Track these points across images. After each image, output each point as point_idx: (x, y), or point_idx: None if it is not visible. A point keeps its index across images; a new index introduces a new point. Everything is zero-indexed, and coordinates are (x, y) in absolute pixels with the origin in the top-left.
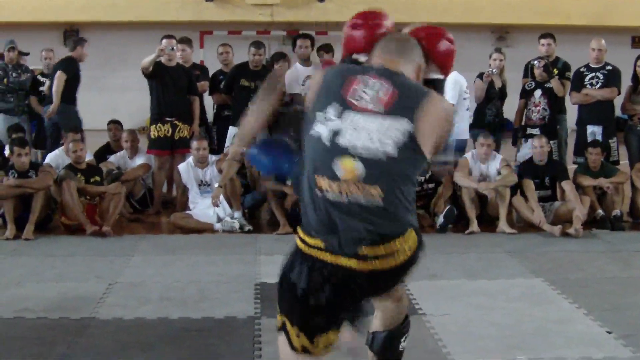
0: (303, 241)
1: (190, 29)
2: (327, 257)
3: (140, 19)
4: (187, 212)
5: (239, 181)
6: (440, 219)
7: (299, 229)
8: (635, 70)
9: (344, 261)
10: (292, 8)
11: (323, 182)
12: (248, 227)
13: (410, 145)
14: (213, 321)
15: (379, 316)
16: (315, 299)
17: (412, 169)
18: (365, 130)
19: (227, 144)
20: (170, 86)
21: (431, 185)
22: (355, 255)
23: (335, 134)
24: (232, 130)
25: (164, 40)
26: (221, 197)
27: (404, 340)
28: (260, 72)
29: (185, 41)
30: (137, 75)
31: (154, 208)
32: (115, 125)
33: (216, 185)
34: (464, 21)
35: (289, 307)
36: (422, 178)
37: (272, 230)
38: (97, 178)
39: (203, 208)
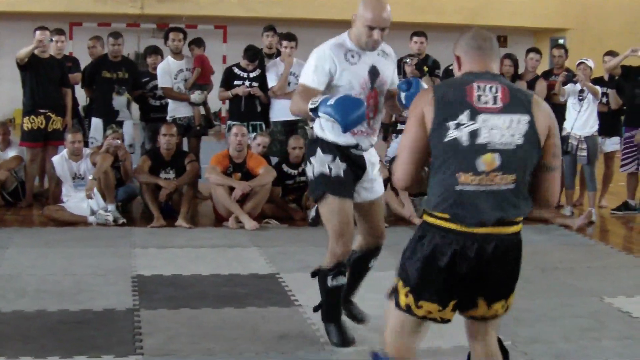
0: (434, 216)
1: (60, 20)
2: (457, 227)
3: (11, 9)
4: (61, 204)
5: (112, 174)
6: (312, 213)
7: (428, 210)
8: (502, 71)
9: (481, 230)
10: (163, 1)
11: (465, 177)
12: (122, 220)
13: (533, 134)
14: (91, 313)
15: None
16: (433, 267)
17: (532, 159)
18: (497, 127)
19: (90, 135)
20: (44, 78)
21: (303, 179)
22: (489, 224)
23: (473, 135)
24: (94, 121)
25: (38, 32)
26: (95, 190)
27: None
28: (121, 62)
29: (60, 32)
30: (9, 65)
31: (26, 201)
32: None
33: (90, 177)
34: (336, 17)
35: (409, 271)
36: (295, 171)
37: (146, 224)
38: None
39: (77, 201)
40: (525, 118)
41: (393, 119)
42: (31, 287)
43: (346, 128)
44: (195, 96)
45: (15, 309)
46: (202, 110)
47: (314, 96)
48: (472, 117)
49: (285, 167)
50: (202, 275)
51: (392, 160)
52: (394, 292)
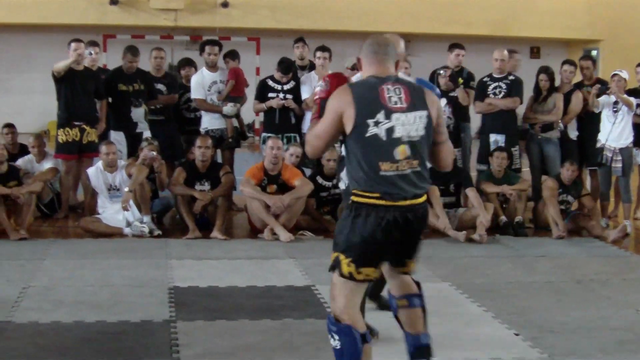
0: (365, 197)
1: (93, 32)
2: (386, 203)
3: (45, 21)
4: (96, 216)
5: (148, 186)
6: None
7: (357, 192)
8: (537, 81)
9: (403, 202)
10: (196, 13)
11: (384, 165)
12: (157, 232)
13: (430, 125)
14: (129, 325)
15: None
16: (372, 238)
17: (429, 144)
18: (407, 124)
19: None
20: (79, 90)
21: (338, 190)
22: (412, 197)
23: (389, 131)
24: (114, 134)
25: (74, 44)
26: (130, 202)
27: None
28: (135, 74)
29: (94, 44)
30: (42, 78)
31: (61, 212)
32: (10, 128)
33: (125, 189)
34: (366, 29)
35: (347, 244)
36: (330, 183)
37: (180, 235)
38: (14, 183)
39: (112, 212)
40: (424, 113)
41: None
42: (68, 299)
43: None
44: (228, 108)
45: (53, 320)
46: (235, 123)
47: None
48: (387, 116)
49: (319, 179)
50: (238, 287)
51: None
52: (336, 264)
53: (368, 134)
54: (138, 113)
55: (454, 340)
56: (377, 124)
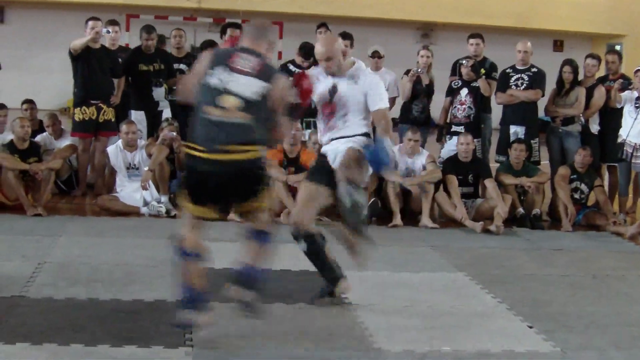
0: (194, 149)
1: (116, 12)
2: (208, 156)
3: None
4: (114, 194)
5: (168, 166)
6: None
7: (188, 144)
8: (560, 74)
9: (216, 156)
10: None
11: (211, 109)
12: (174, 212)
13: (265, 97)
14: (143, 304)
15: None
16: (199, 182)
17: (266, 112)
18: (242, 82)
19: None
20: (96, 68)
21: None
22: (224, 151)
23: (223, 82)
24: (135, 114)
25: (91, 22)
26: (149, 181)
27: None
28: (155, 54)
29: (114, 23)
30: (60, 56)
31: (79, 190)
32: (29, 104)
33: (145, 169)
34: (389, 17)
35: (186, 188)
36: None
37: None
38: (34, 159)
39: (130, 191)
40: (266, 85)
41: (448, 119)
42: (83, 276)
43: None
44: None
45: (67, 297)
46: None
47: None
48: (227, 72)
49: None
50: None
51: (445, 160)
52: (181, 203)
53: (204, 81)
54: (159, 92)
55: (468, 330)
56: (213, 75)
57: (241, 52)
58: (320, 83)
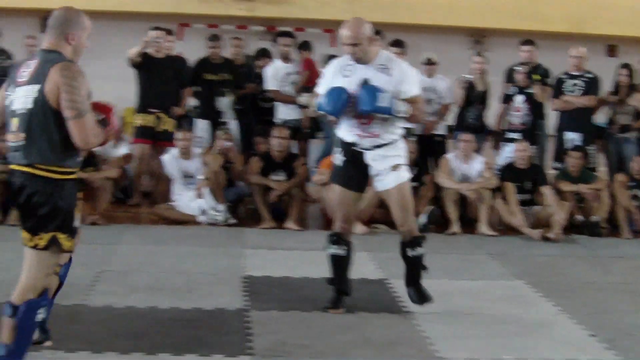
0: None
1: (169, 21)
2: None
3: (120, 8)
4: (171, 203)
5: (223, 174)
6: (422, 219)
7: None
8: (618, 80)
9: (14, 167)
10: (272, 4)
11: (8, 135)
12: (231, 220)
13: (41, 99)
14: (202, 312)
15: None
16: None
17: (49, 116)
18: (19, 96)
19: (197, 134)
20: (156, 78)
21: (414, 184)
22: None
23: (11, 103)
24: (199, 122)
25: (150, 32)
26: (205, 190)
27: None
28: (223, 64)
29: (168, 32)
30: (117, 65)
31: (134, 198)
32: None
33: (200, 177)
34: (442, 23)
35: None
36: None
37: (254, 224)
38: (92, 169)
39: (186, 200)
40: (36, 87)
41: (503, 126)
42: (142, 284)
43: (336, 115)
44: (303, 99)
45: (126, 305)
46: (311, 113)
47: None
48: (13, 89)
49: None
50: (311, 278)
51: (502, 168)
52: None
53: (5, 104)
54: (223, 102)
55: (529, 339)
56: (8, 96)
57: (31, 59)
58: (347, 78)
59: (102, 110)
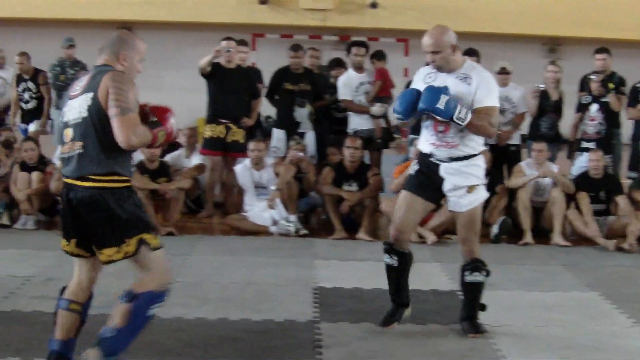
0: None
1: (243, 31)
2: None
3: (193, 19)
4: (243, 214)
5: (296, 185)
6: (495, 230)
7: None
8: None
9: (69, 181)
10: (345, 13)
11: (62, 148)
12: (303, 231)
13: (95, 105)
14: (273, 324)
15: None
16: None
17: (104, 122)
18: (73, 107)
19: (272, 145)
20: (227, 88)
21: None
22: (71, 176)
23: (64, 115)
24: (276, 132)
25: (223, 42)
26: (277, 200)
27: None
28: (302, 74)
29: (243, 43)
30: (190, 75)
31: (206, 210)
32: None
33: (273, 188)
34: (515, 32)
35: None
36: None
37: (326, 235)
38: (164, 179)
39: (259, 210)
40: (90, 95)
41: (578, 136)
42: (213, 295)
43: (406, 116)
44: (376, 109)
45: (197, 316)
46: (383, 123)
47: None
48: (66, 104)
49: None
50: (383, 290)
51: (576, 177)
52: None
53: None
54: (301, 113)
55: (603, 351)
56: (63, 112)
57: (85, 75)
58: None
59: (158, 112)
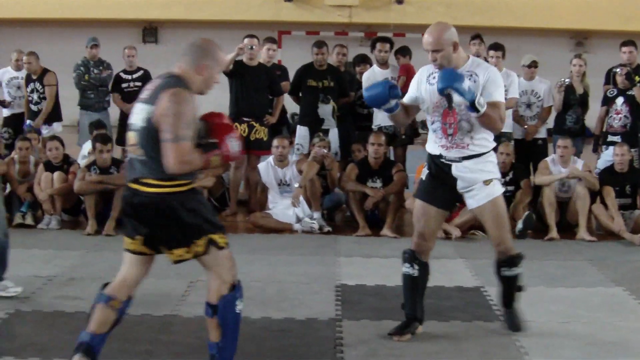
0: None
1: (268, 29)
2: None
3: (219, 17)
4: (267, 211)
5: (319, 182)
6: (520, 225)
7: None
8: None
9: (133, 186)
10: (371, 10)
11: (129, 147)
12: (327, 228)
13: (150, 121)
14: (294, 322)
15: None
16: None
17: (157, 138)
18: (137, 113)
19: (296, 142)
20: (250, 86)
21: (510, 188)
22: (134, 181)
23: (131, 116)
24: (300, 129)
25: (246, 39)
26: (301, 198)
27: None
28: (326, 71)
29: (272, 41)
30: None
31: (230, 208)
32: None
33: (296, 185)
34: (543, 26)
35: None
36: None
37: (350, 232)
38: None
39: (282, 208)
40: (148, 107)
41: (604, 129)
42: None
43: (375, 103)
44: None
45: None
46: None
47: None
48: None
49: None
50: None
51: (601, 171)
52: None
53: None
54: (325, 110)
55: (628, 348)
56: (131, 112)
57: (156, 78)
58: (432, 86)
59: (219, 131)
